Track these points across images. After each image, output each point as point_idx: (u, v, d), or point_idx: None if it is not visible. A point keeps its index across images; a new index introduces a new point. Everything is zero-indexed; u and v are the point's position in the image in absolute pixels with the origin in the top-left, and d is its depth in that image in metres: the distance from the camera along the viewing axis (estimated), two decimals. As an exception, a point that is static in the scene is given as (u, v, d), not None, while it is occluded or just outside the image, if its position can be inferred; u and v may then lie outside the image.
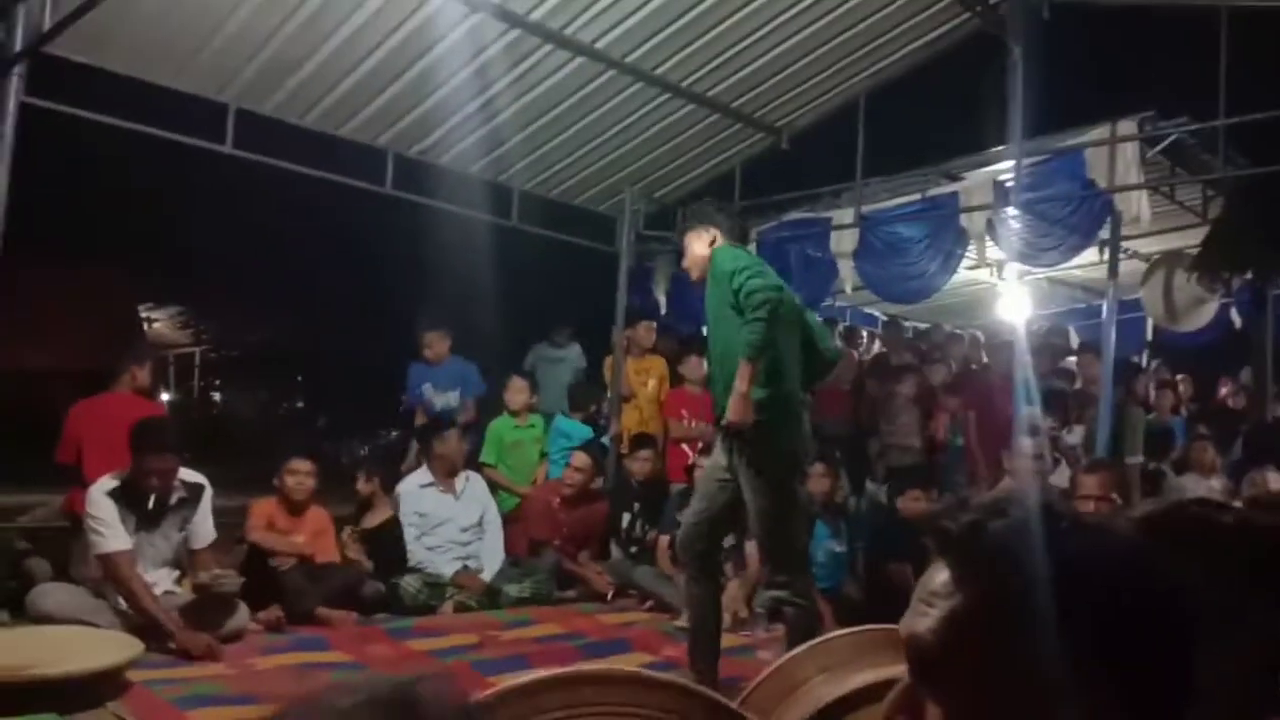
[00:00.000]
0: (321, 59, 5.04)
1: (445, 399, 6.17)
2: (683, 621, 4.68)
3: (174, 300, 14.94)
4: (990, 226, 6.22)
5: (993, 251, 6.68)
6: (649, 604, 5.06)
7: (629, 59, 5.48)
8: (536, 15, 4.99)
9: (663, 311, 7.92)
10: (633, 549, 5.58)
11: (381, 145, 5.81)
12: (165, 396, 5.21)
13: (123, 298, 12.57)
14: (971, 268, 7.17)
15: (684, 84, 5.85)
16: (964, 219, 6.25)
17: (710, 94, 6.02)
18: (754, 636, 4.64)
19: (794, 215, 7.27)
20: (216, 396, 20.10)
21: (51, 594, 3.72)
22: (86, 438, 4.53)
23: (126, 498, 3.86)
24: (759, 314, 3.25)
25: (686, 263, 3.86)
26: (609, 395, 6.89)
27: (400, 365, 6.54)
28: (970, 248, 6.42)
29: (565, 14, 5.03)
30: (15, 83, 4.41)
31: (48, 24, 4.09)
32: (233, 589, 3.97)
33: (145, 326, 14.16)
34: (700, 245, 3.72)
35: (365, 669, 3.78)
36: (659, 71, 5.66)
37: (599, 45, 5.32)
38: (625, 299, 7.16)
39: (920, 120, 6.91)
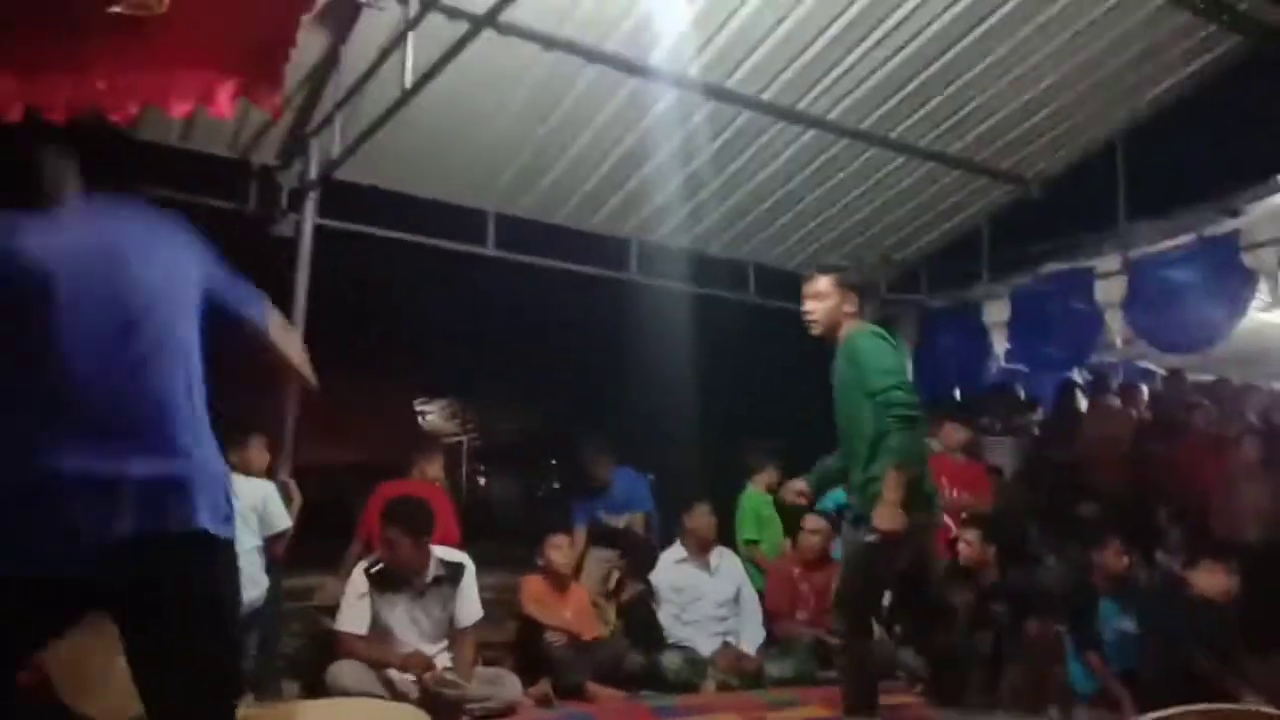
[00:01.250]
0: (571, 158, 5.37)
1: (620, 521, 5.93)
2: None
3: (444, 394, 16.24)
4: (1283, 263, 5.56)
5: (1293, 290, 5.94)
6: (919, 686, 4.77)
7: (864, 125, 5.45)
8: (769, 95, 5.08)
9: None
10: (895, 628, 5.31)
11: (626, 235, 6.09)
12: (439, 480, 5.66)
13: (401, 395, 13.82)
14: (1266, 309, 6.42)
15: (922, 142, 5.72)
16: (1248, 257, 5.63)
17: (951, 150, 5.85)
18: None
19: (1052, 267, 6.83)
20: (482, 481, 21.40)
21: (342, 672, 3.96)
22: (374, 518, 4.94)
23: (381, 575, 4.12)
24: (903, 425, 3.37)
25: (814, 312, 3.69)
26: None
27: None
28: (1260, 288, 5.75)
29: (796, 90, 5.08)
30: (310, 207, 5.04)
31: (336, 151, 4.61)
32: (454, 695, 3.97)
33: (420, 420, 15.42)
34: (836, 302, 3.66)
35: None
36: (895, 134, 5.57)
37: (831, 116, 5.33)
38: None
39: (1188, 153, 6.32)
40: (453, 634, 4.21)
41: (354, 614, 4.04)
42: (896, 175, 6.03)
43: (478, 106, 4.86)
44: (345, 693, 3.80)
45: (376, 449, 10.51)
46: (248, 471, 4.52)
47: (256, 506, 4.49)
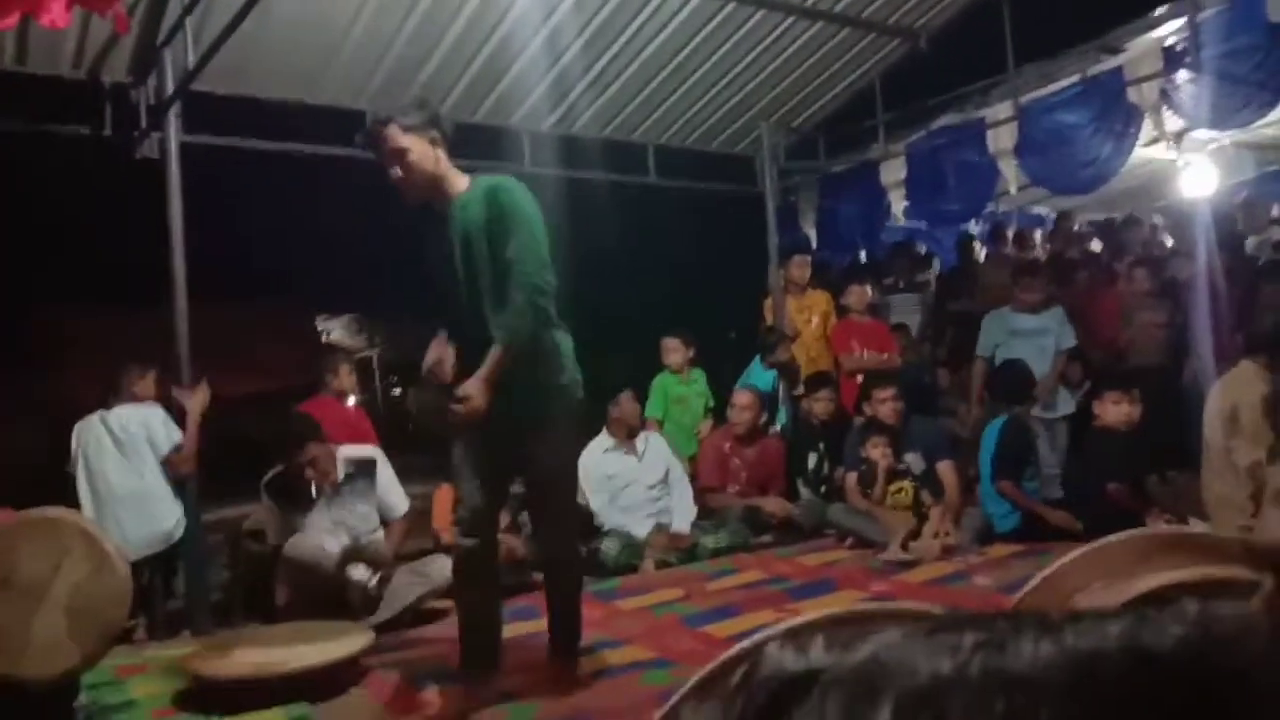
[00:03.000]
0: (444, 52, 5.10)
1: None
2: (889, 555, 4.58)
3: (347, 310, 15.84)
4: (1165, 96, 5.68)
5: (1171, 122, 6.10)
6: (848, 541, 4.96)
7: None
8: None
9: (814, 245, 7.70)
10: (822, 489, 5.48)
11: (515, 126, 5.86)
12: (351, 400, 5.50)
13: (304, 316, 13.43)
14: (1149, 144, 6.59)
15: (807, 3, 5.59)
16: (1132, 93, 5.73)
17: (837, 8, 5.74)
18: (966, 562, 4.47)
19: (944, 121, 6.87)
20: (397, 393, 21.15)
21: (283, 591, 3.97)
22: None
23: (284, 488, 4.17)
24: (538, 319, 2.86)
25: (405, 173, 2.87)
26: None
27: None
28: (1144, 123, 5.89)
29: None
30: (173, 124, 4.68)
31: (191, 61, 4.27)
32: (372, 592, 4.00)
33: (324, 337, 15.04)
34: (429, 153, 2.92)
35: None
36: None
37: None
38: (775, 238, 6.98)
39: (1069, -6, 6.36)
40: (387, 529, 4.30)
41: (269, 529, 4.13)
42: (785, 40, 5.91)
43: (338, 3, 4.54)
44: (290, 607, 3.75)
45: (288, 375, 10.24)
46: (134, 400, 4.49)
47: (145, 433, 4.36)
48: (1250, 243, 6.67)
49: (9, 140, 4.71)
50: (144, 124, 4.75)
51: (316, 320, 14.64)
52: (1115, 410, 4.68)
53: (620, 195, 6.63)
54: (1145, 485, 4.71)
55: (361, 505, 4.20)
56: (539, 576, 4.51)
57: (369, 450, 4.34)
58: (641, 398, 5.73)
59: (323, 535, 4.01)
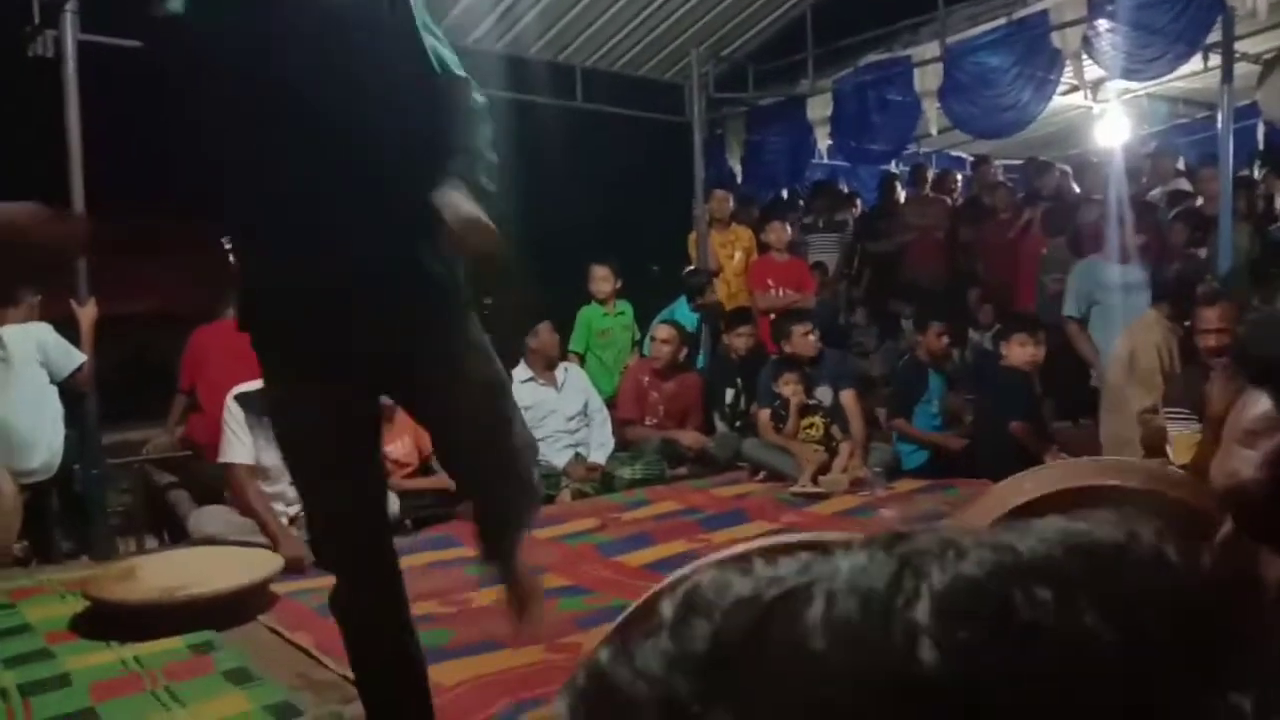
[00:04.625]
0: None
1: None
2: (799, 487, 4.68)
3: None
4: (1086, 43, 5.76)
5: (1090, 71, 6.21)
6: (761, 475, 5.05)
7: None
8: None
9: (739, 180, 7.68)
10: (738, 424, 5.55)
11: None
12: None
13: (207, 230, 12.87)
14: (1066, 92, 6.71)
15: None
16: (1056, 38, 5.80)
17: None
18: (874, 495, 4.60)
19: (872, 58, 6.86)
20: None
21: (209, 517, 3.83)
22: (201, 364, 4.65)
23: (257, 404, 3.91)
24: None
25: None
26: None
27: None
28: (1065, 70, 5.98)
29: None
30: (69, 20, 4.37)
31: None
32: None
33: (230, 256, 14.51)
34: None
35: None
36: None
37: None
38: (702, 171, 6.93)
39: (1000, -66, 6.35)
40: None
41: (236, 444, 3.84)
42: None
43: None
44: (210, 540, 3.64)
45: (185, 293, 9.79)
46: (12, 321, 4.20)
47: (36, 354, 4.15)
48: (1156, 193, 6.88)
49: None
50: (37, 20, 4.42)
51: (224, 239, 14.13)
52: (1021, 351, 4.82)
53: (544, 117, 6.47)
54: (1047, 426, 4.90)
55: None
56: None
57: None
58: (562, 329, 5.68)
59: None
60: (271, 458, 3.90)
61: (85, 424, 4.30)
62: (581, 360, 5.93)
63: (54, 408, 4.19)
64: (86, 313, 4.29)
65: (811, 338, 5.19)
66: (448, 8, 5.41)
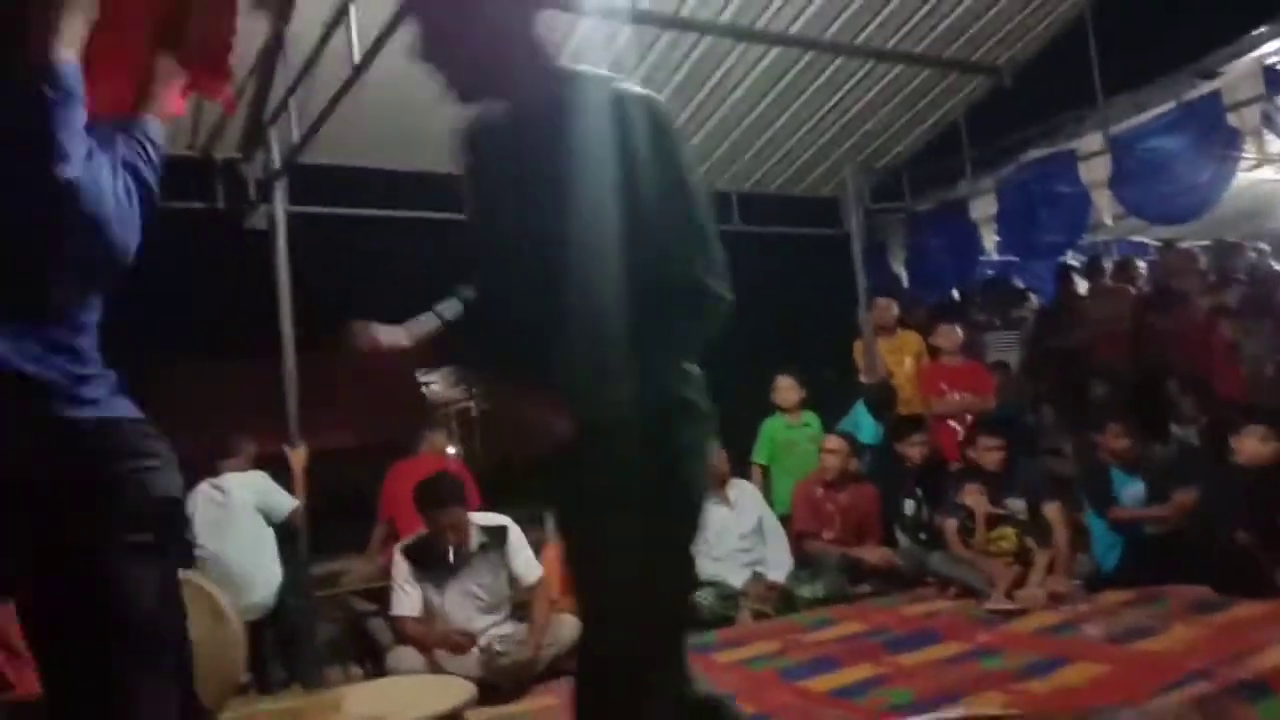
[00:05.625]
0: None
1: None
2: (993, 604, 4.44)
3: (444, 363, 16.26)
4: (1266, 119, 5.47)
5: (1274, 144, 5.87)
6: (951, 591, 4.82)
7: (827, 35, 5.31)
8: (726, 17, 4.94)
9: (905, 284, 7.60)
10: (921, 535, 5.36)
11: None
12: (450, 450, 5.64)
13: (400, 370, 13.80)
14: (1252, 168, 6.35)
15: (889, 45, 5.59)
16: (1232, 118, 5.54)
17: (919, 49, 5.72)
18: (1075, 610, 4.31)
19: (1033, 154, 6.75)
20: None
21: (404, 658, 3.97)
22: (399, 496, 4.95)
23: (422, 555, 4.12)
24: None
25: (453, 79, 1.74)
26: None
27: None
28: (1245, 147, 5.68)
29: (754, 8, 4.95)
30: (279, 195, 4.95)
31: (295, 136, 4.51)
32: (507, 663, 3.94)
33: (424, 391, 15.43)
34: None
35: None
36: (859, 40, 5.44)
37: (793, 31, 5.20)
38: (864, 280, 6.91)
39: (1160, 19, 6.20)
40: (522, 597, 4.20)
41: (404, 598, 4.05)
42: (866, 83, 5.92)
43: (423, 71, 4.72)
44: (408, 673, 3.81)
45: (383, 428, 10.53)
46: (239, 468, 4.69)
47: (254, 500, 4.54)
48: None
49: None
50: (253, 196, 5.02)
51: (416, 375, 15.09)
52: (1258, 448, 4.33)
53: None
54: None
55: (491, 579, 4.15)
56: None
57: (500, 518, 4.27)
58: (739, 442, 5.69)
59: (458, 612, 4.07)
60: (441, 600, 4.09)
61: (296, 560, 4.65)
62: (765, 472, 5.90)
63: (270, 548, 4.57)
64: (299, 455, 4.68)
65: (1001, 453, 4.97)
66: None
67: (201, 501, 4.61)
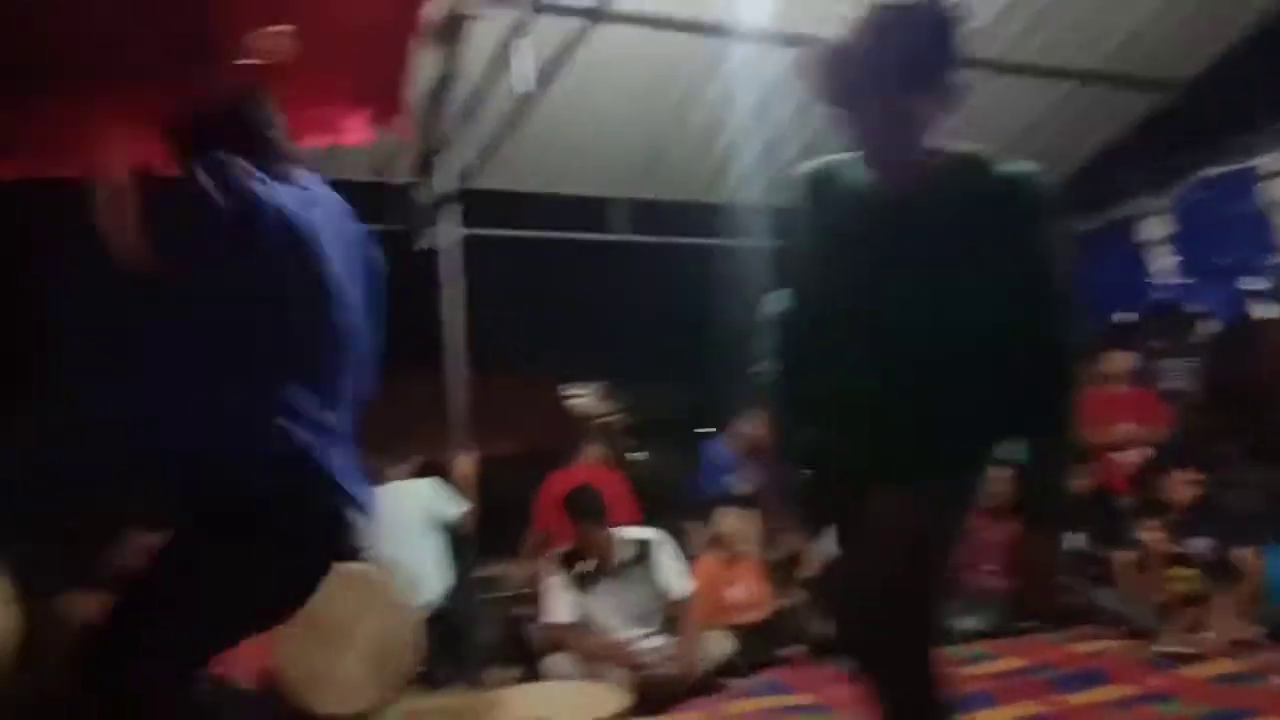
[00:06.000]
0: (693, 136, 5.37)
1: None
2: (1168, 646, 4.22)
3: (592, 379, 16.68)
4: None
5: None
6: (1121, 629, 4.60)
7: (992, 55, 5.21)
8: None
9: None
10: (1088, 571, 5.12)
11: (760, 203, 6.04)
12: (603, 461, 5.87)
13: (551, 385, 14.27)
14: None
15: (1056, 62, 5.43)
16: None
17: (1088, 66, 5.52)
18: (1262, 658, 4.04)
19: (1208, 172, 6.38)
20: (639, 457, 21.84)
21: (558, 665, 4.12)
22: (552, 509, 5.11)
23: (573, 564, 4.24)
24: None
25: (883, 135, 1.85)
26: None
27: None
28: None
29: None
30: (449, 219, 5.21)
31: (466, 162, 4.75)
32: (661, 675, 4.00)
33: (572, 405, 15.83)
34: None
35: (831, 712, 3.82)
36: (1026, 59, 5.31)
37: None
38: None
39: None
40: (671, 611, 4.27)
41: (556, 605, 4.19)
42: (1033, 101, 5.75)
43: (595, 97, 4.91)
44: (563, 679, 3.95)
45: (536, 438, 10.91)
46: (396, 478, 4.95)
47: (423, 507, 4.81)
48: None
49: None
50: (424, 220, 5.32)
51: (562, 387, 15.51)
52: None
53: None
54: None
55: (639, 592, 4.23)
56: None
57: (648, 532, 4.36)
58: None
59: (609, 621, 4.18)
60: (593, 609, 4.20)
61: (463, 563, 4.86)
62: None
63: (438, 552, 4.79)
64: (466, 464, 4.90)
65: (1192, 489, 4.71)
66: (771, 174, 5.80)
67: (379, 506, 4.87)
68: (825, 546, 2.08)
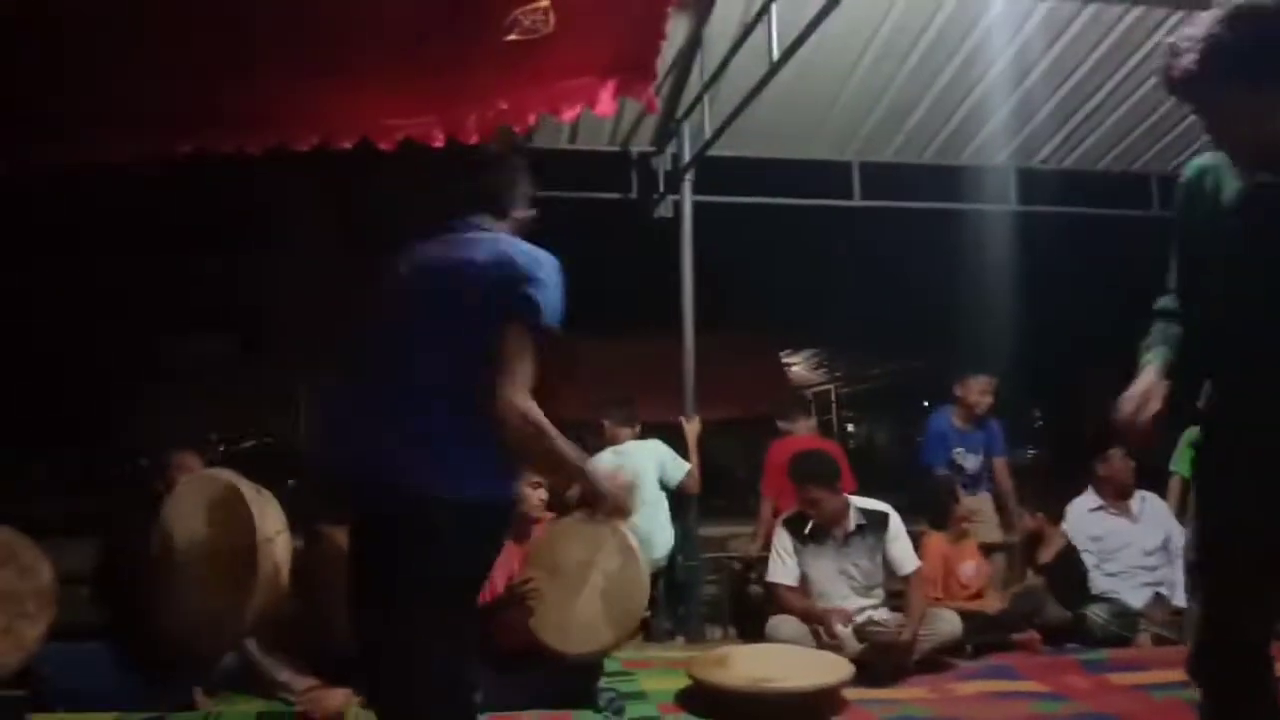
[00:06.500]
0: (932, 98, 5.18)
1: (972, 463, 5.45)
2: None
3: (809, 345, 16.51)
4: None
5: None
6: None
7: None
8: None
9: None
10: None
11: (1003, 165, 5.75)
12: (810, 434, 5.82)
13: (768, 348, 14.28)
14: None
15: None
16: None
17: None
18: None
19: None
20: (851, 429, 21.42)
21: (783, 626, 4.12)
22: (778, 477, 5.15)
23: (801, 528, 4.24)
24: None
25: None
26: None
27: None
28: None
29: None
30: (687, 187, 5.31)
31: (707, 131, 4.81)
32: (888, 639, 3.92)
33: (787, 371, 15.77)
34: None
35: (1064, 700, 3.66)
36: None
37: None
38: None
39: None
40: (897, 585, 4.25)
41: (783, 568, 4.22)
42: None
43: (835, 62, 4.83)
44: (785, 642, 3.98)
45: (753, 403, 10.98)
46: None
47: (654, 468, 4.94)
48: None
49: (563, 205, 5.71)
50: (662, 188, 5.44)
51: (781, 354, 15.45)
52: None
53: (1119, 229, 6.18)
54: None
55: (866, 561, 4.20)
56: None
57: (881, 504, 4.31)
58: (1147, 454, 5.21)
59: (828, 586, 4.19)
60: (816, 574, 4.19)
61: (687, 521, 5.01)
62: (1186, 485, 5.34)
63: (664, 510, 4.96)
64: (692, 427, 5.04)
65: None
66: (1016, 133, 5.51)
67: (608, 465, 5.07)
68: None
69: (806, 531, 4.20)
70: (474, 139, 4.10)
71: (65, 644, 3.49)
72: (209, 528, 3.33)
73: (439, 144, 4.13)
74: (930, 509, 4.90)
